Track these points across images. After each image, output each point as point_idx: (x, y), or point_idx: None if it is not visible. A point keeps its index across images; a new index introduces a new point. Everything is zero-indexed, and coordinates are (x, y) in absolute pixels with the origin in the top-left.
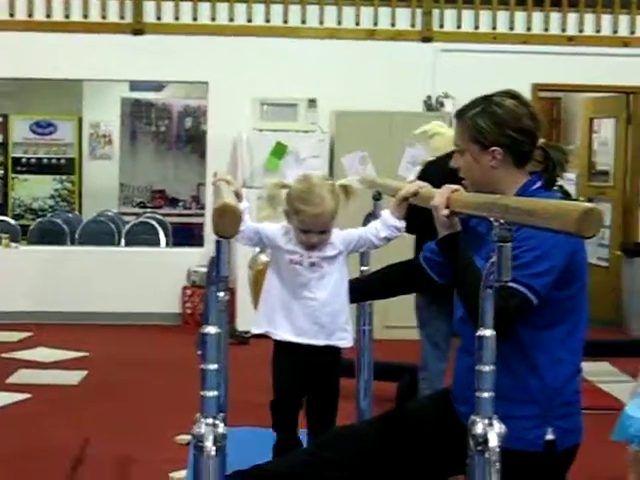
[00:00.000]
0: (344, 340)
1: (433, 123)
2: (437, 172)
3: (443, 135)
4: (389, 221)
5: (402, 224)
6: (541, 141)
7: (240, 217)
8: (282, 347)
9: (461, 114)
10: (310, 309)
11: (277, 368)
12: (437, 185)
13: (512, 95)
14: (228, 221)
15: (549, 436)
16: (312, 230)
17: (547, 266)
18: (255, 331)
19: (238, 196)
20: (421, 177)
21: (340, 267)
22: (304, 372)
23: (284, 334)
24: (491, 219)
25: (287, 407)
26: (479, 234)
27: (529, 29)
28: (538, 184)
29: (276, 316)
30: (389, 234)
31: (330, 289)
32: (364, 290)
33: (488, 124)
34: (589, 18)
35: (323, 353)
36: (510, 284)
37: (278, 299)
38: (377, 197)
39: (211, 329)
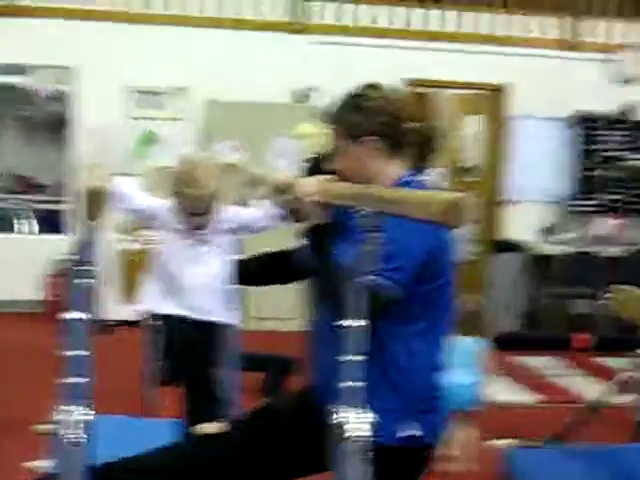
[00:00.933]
0: (233, 317)
1: (303, 125)
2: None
3: (314, 136)
4: (270, 211)
5: (283, 212)
6: (410, 124)
7: (105, 200)
8: (164, 323)
9: (329, 118)
10: (199, 284)
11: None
12: None
13: (374, 86)
14: (93, 205)
15: (411, 430)
16: (195, 212)
17: (406, 260)
18: (140, 308)
19: (106, 180)
20: (312, 173)
21: (227, 244)
22: (186, 350)
23: (171, 309)
24: (359, 208)
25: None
26: (350, 226)
27: (392, 23)
28: (412, 178)
29: (163, 292)
30: (268, 224)
31: (219, 264)
32: (244, 274)
33: (355, 117)
34: (451, 15)
35: (210, 329)
36: (373, 277)
37: (166, 275)
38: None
39: (74, 314)
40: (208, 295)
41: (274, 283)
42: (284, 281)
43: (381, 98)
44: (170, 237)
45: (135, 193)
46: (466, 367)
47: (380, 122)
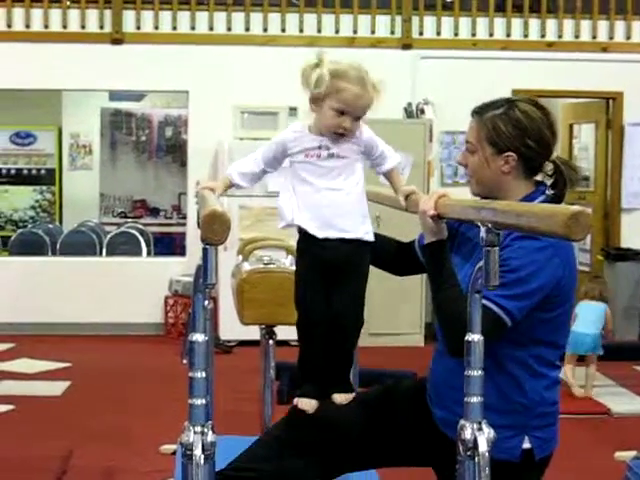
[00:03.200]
0: (369, 233)
1: None
2: None
3: None
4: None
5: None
6: (554, 155)
7: (229, 224)
8: (307, 249)
9: (480, 112)
10: (336, 200)
11: (302, 273)
12: None
13: (536, 104)
14: (217, 228)
15: (526, 445)
16: (350, 113)
17: (526, 290)
18: (280, 225)
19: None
20: None
21: (361, 162)
22: (331, 275)
23: (310, 229)
24: (478, 223)
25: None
26: (469, 239)
27: (508, 35)
28: (542, 197)
29: (299, 212)
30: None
31: (357, 179)
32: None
33: (509, 129)
34: (568, 24)
35: (352, 247)
36: (484, 301)
37: (299, 195)
38: None
39: (199, 337)
40: (349, 213)
41: (389, 270)
42: (400, 272)
43: (537, 119)
44: (298, 158)
45: (246, 163)
46: (590, 322)
47: (528, 145)
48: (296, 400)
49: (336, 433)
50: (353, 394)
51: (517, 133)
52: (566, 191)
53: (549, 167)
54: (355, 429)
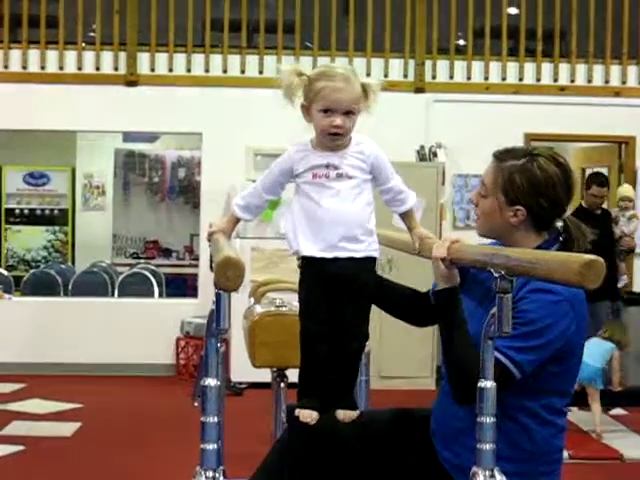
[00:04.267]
0: (376, 250)
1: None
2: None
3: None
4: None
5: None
6: (567, 215)
7: (243, 271)
8: (313, 268)
9: (500, 158)
10: (346, 224)
11: (307, 292)
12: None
13: (557, 162)
14: (231, 275)
15: None
16: (336, 109)
17: (539, 343)
18: (290, 251)
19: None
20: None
21: (364, 180)
22: (337, 294)
23: (318, 252)
24: (491, 270)
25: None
26: (481, 283)
27: (521, 79)
28: (555, 246)
29: (306, 234)
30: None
31: (366, 199)
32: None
33: (523, 183)
34: (581, 68)
35: (359, 264)
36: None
37: (306, 217)
38: None
39: (211, 381)
40: (359, 234)
41: (404, 319)
42: (418, 322)
43: (553, 178)
44: (305, 179)
45: (248, 195)
46: (594, 355)
47: (539, 203)
48: (297, 411)
49: (336, 450)
50: (357, 412)
51: (530, 189)
52: (572, 251)
53: (559, 225)
54: (356, 448)
